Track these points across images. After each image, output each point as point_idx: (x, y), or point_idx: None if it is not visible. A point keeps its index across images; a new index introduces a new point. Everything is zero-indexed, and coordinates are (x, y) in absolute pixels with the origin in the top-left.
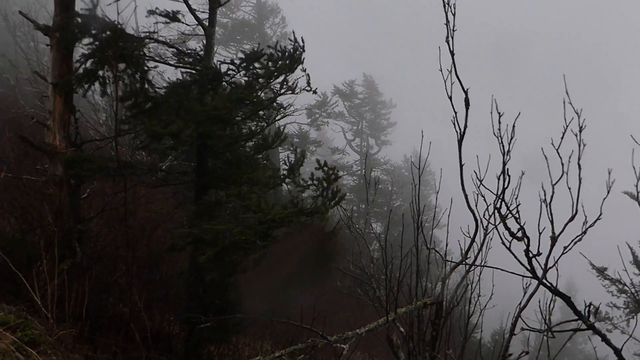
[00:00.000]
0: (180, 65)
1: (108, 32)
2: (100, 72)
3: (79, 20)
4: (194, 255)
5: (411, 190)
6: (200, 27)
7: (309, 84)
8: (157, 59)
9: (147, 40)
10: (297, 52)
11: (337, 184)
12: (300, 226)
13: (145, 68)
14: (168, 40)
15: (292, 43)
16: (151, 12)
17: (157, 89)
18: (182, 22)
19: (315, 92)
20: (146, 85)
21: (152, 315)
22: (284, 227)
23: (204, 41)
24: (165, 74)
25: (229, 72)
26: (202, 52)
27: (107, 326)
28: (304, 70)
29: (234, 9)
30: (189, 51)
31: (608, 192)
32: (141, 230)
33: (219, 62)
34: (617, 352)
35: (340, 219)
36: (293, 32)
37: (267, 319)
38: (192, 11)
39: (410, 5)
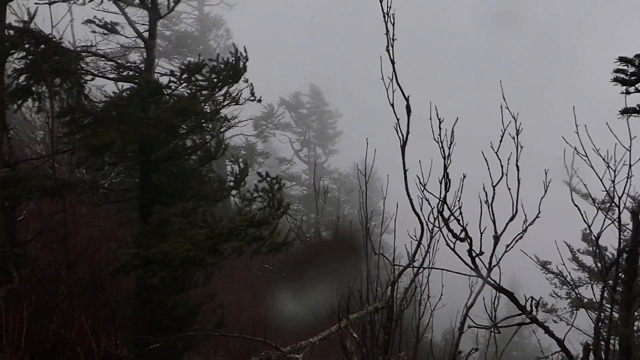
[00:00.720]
0: (120, 78)
1: (42, 46)
2: (35, 88)
3: (11, 33)
4: (144, 278)
5: (358, 197)
6: (140, 40)
7: (252, 93)
8: (95, 72)
9: (85, 53)
10: (240, 62)
11: (281, 193)
12: (250, 238)
13: (83, 82)
14: (107, 54)
15: (234, 54)
16: (89, 21)
17: (95, 104)
18: (121, 35)
19: (259, 101)
20: (84, 100)
21: (99, 338)
22: (232, 241)
23: (145, 54)
24: (105, 87)
25: (170, 85)
26: (142, 65)
27: (50, 354)
28: (246, 81)
29: (176, 21)
30: (128, 64)
31: (545, 191)
32: (83, 252)
33: (159, 75)
34: (560, 342)
35: (290, 229)
36: (234, 45)
37: (219, 334)
38: (132, 23)
39: (355, 15)
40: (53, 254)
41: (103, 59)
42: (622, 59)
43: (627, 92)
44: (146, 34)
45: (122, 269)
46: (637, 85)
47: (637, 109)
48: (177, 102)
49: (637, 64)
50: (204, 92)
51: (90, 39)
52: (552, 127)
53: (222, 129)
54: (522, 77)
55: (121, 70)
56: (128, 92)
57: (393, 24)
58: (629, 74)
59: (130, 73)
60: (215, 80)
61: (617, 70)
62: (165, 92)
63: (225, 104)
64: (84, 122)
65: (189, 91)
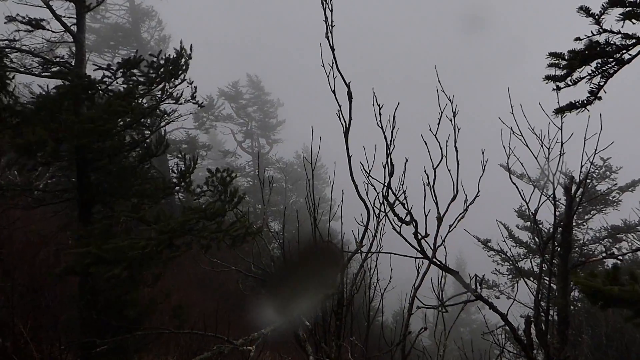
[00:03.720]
0: (49, 75)
1: None
2: None
3: None
4: (98, 275)
5: (305, 185)
6: (69, 34)
7: (193, 97)
8: (20, 69)
9: (8, 49)
10: (182, 60)
11: (233, 185)
12: (206, 231)
13: (7, 80)
14: (33, 49)
15: (177, 51)
16: (11, 19)
17: (23, 103)
18: (47, 30)
19: (201, 105)
20: (8, 99)
21: (40, 345)
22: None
23: (74, 49)
24: (32, 85)
25: (104, 80)
26: (72, 61)
27: None
28: (191, 83)
29: (105, 13)
30: (57, 59)
31: (483, 171)
32: (20, 256)
33: (93, 69)
34: (503, 317)
35: (246, 218)
36: (181, 42)
37: (170, 332)
38: (58, 17)
39: (294, 3)
40: None
41: (29, 54)
42: (553, 54)
43: (558, 88)
44: (74, 28)
45: (71, 270)
46: (567, 80)
47: (569, 106)
48: (112, 102)
49: (567, 58)
50: (139, 87)
51: (13, 34)
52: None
53: (161, 124)
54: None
55: (49, 66)
56: (60, 89)
57: (331, 11)
58: (561, 67)
59: (60, 69)
60: (154, 76)
61: (550, 65)
62: (100, 88)
63: (164, 99)
64: (13, 123)
65: (124, 86)
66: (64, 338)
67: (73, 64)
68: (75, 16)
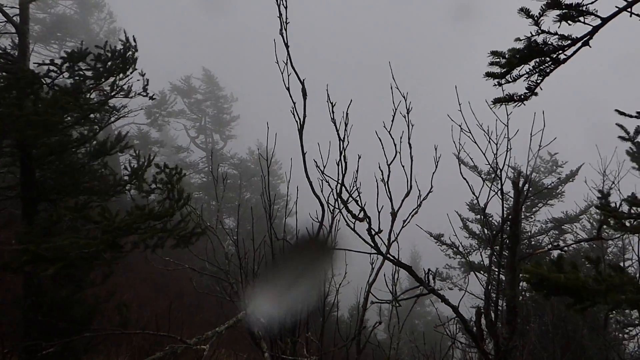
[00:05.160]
0: None
1: None
2: None
3: None
4: (35, 274)
5: (259, 182)
6: (11, 25)
7: (145, 89)
8: None
9: None
10: (129, 53)
11: (181, 184)
12: (151, 231)
13: None
14: None
15: (123, 43)
16: None
17: None
18: None
19: (152, 98)
20: None
21: None
22: (132, 235)
23: (16, 40)
24: None
25: (49, 74)
26: (14, 52)
27: None
28: (143, 75)
29: (51, 3)
30: None
31: (436, 166)
32: None
33: (37, 64)
34: (455, 309)
35: (190, 218)
36: (125, 32)
37: (120, 332)
38: (0, 7)
39: None
40: None
41: None
42: (494, 53)
43: (499, 84)
44: (17, 19)
45: (7, 266)
46: (506, 77)
47: (507, 98)
48: (58, 97)
49: (507, 57)
50: (87, 82)
51: None
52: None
53: (111, 120)
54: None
55: None
56: (3, 82)
57: (286, 7)
58: (501, 65)
59: (2, 61)
60: (102, 69)
61: (492, 63)
62: (45, 82)
63: (112, 94)
64: None
65: (71, 80)
66: (7, 341)
67: (16, 55)
68: (18, 6)
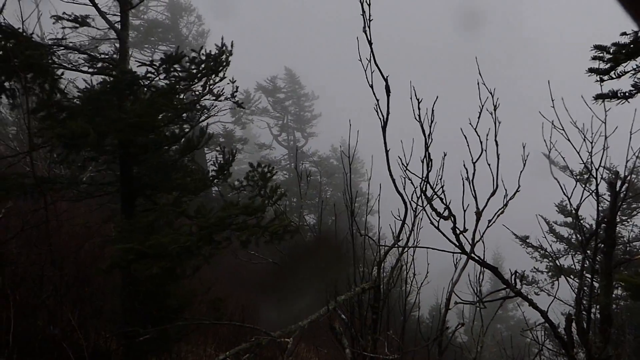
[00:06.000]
0: (95, 71)
1: (12, 41)
2: (8, 84)
3: None
4: (139, 271)
5: (342, 179)
6: (112, 31)
7: (233, 96)
8: (68, 66)
9: (56, 47)
10: (223, 56)
11: (274, 181)
12: (250, 229)
13: (56, 77)
14: (79, 46)
15: (218, 47)
16: (58, 18)
17: (70, 98)
18: (92, 27)
19: (240, 105)
20: (58, 95)
21: (87, 333)
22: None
23: (117, 45)
24: (77, 81)
25: (147, 76)
26: (116, 56)
27: (38, 350)
28: (233, 82)
29: (144, 10)
30: (102, 56)
31: (524, 165)
32: (67, 247)
33: (137, 65)
34: (543, 314)
35: (285, 216)
36: (222, 38)
37: (209, 322)
38: (103, 15)
39: None
40: (35, 251)
41: (75, 51)
42: (598, 47)
43: (602, 80)
44: (118, 25)
45: (116, 265)
46: (611, 74)
47: (610, 94)
48: (156, 98)
49: (612, 52)
50: (181, 82)
51: (59, 31)
52: (530, 104)
53: (201, 119)
54: (497, 65)
55: (95, 62)
56: (106, 85)
57: (369, 5)
58: (605, 60)
59: (105, 65)
60: (195, 71)
61: (595, 58)
62: (143, 83)
63: (204, 95)
64: (60, 117)
65: (167, 81)
66: (108, 327)
67: (117, 60)
68: (119, 14)
